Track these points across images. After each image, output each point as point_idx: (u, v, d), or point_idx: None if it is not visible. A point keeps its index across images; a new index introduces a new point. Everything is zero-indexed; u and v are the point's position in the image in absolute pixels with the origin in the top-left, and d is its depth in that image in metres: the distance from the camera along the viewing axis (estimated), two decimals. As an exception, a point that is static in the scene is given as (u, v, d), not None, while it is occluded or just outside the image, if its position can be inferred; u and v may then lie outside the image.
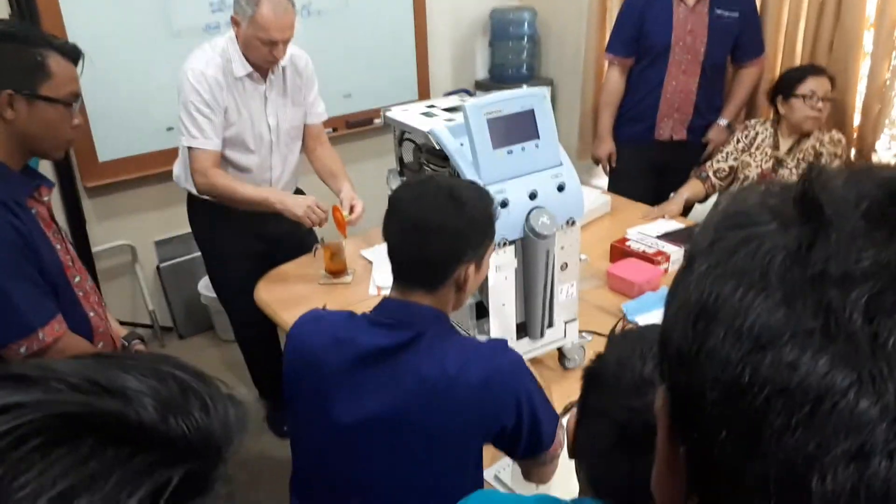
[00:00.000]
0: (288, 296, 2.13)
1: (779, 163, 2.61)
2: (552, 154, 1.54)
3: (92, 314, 1.45)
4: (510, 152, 1.48)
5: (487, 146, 1.45)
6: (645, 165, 3.04)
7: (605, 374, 0.90)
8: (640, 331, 0.93)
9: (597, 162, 3.23)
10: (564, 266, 1.60)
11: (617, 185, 3.08)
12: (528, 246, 1.50)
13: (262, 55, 2.16)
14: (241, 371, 2.95)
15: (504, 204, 1.46)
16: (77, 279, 1.42)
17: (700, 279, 0.42)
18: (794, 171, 2.57)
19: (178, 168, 2.40)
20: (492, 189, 1.45)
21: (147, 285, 3.27)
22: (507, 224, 1.46)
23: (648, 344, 0.87)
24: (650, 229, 2.39)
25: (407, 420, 1.23)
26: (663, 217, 2.55)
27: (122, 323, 2.34)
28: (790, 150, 2.61)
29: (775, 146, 2.63)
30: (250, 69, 2.21)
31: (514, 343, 1.60)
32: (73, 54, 1.36)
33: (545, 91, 1.54)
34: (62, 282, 1.37)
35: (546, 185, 1.51)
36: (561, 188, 1.53)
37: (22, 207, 1.30)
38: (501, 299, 1.51)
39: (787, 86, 2.61)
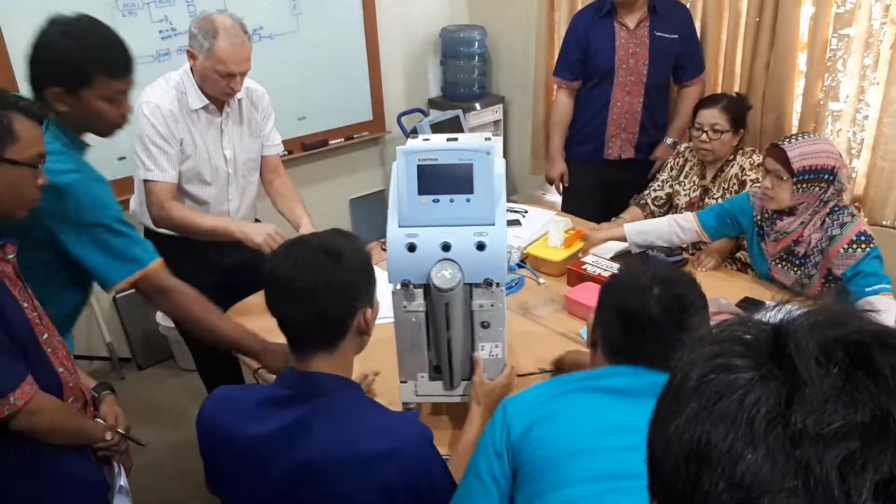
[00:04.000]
0: (254, 331, 2.13)
1: (705, 192, 2.66)
2: (484, 212, 1.49)
3: (61, 370, 1.44)
4: (436, 201, 1.48)
5: (413, 191, 1.48)
6: (596, 184, 3.13)
7: (618, 282, 1.33)
8: (645, 261, 1.29)
9: (550, 182, 3.31)
10: (486, 324, 1.56)
11: (570, 204, 3.17)
12: (430, 294, 1.50)
13: (220, 88, 2.17)
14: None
15: (411, 248, 1.47)
16: (45, 336, 1.41)
17: (690, 420, 0.48)
18: (719, 201, 2.60)
19: (135, 203, 2.39)
20: (403, 231, 1.48)
21: (104, 317, 3.22)
22: (413, 268, 1.48)
23: (651, 267, 1.34)
24: (604, 251, 2.48)
25: (314, 492, 1.23)
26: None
27: (78, 357, 2.32)
28: (714, 179, 2.65)
29: (702, 175, 2.69)
30: (206, 101, 2.22)
31: (426, 383, 1.63)
32: (39, 115, 1.36)
33: (491, 146, 1.48)
34: (30, 340, 1.36)
35: (465, 241, 1.48)
36: (481, 247, 1.48)
37: None
38: (411, 338, 1.54)
39: (692, 115, 2.69)
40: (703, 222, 2.36)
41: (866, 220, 2.27)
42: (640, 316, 1.23)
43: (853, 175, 2.75)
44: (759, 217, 2.26)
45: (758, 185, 2.35)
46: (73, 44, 1.55)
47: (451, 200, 1.48)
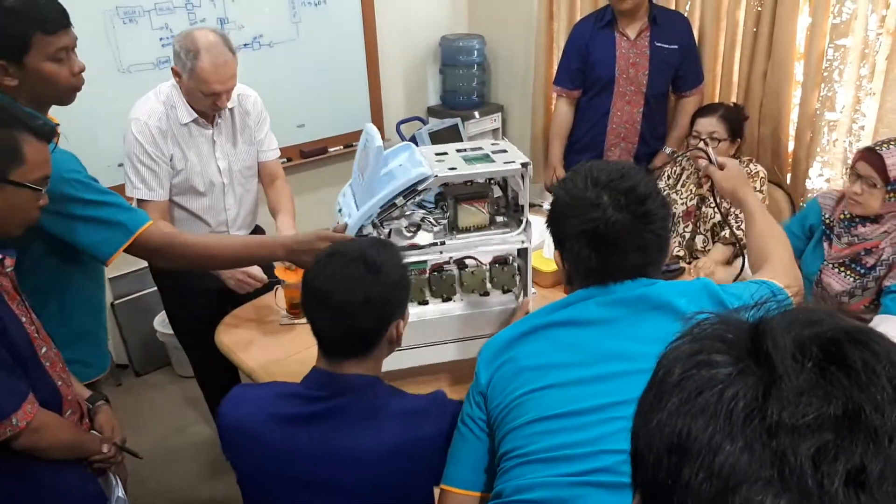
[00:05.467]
0: (249, 338, 2.14)
1: (702, 201, 2.66)
2: (359, 202, 1.72)
3: (59, 382, 1.44)
4: (360, 181, 1.74)
5: (357, 166, 1.78)
6: (595, 192, 3.13)
7: (562, 206, 1.22)
8: (577, 169, 1.24)
9: (549, 190, 3.32)
10: None
11: (568, 212, 3.18)
12: None
13: (206, 105, 2.17)
14: (200, 407, 2.94)
15: (337, 206, 1.81)
16: (43, 349, 1.41)
17: (671, 414, 0.50)
18: (716, 210, 2.60)
19: None
20: (345, 190, 1.84)
21: (102, 323, 3.22)
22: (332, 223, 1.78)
23: (590, 171, 1.20)
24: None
25: (344, 488, 1.24)
26: None
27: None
28: (712, 188, 2.63)
29: (699, 184, 2.68)
30: (195, 115, 2.22)
31: None
32: (49, 135, 1.35)
33: (386, 157, 1.65)
34: (30, 355, 1.35)
35: (341, 219, 1.75)
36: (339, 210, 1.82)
37: None
38: None
39: (690, 124, 2.69)
40: None
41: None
42: (604, 230, 1.17)
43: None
44: (829, 217, 2.21)
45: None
46: None
47: (360, 185, 1.72)
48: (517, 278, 1.79)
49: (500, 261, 1.77)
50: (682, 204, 2.72)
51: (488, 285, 1.79)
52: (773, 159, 2.94)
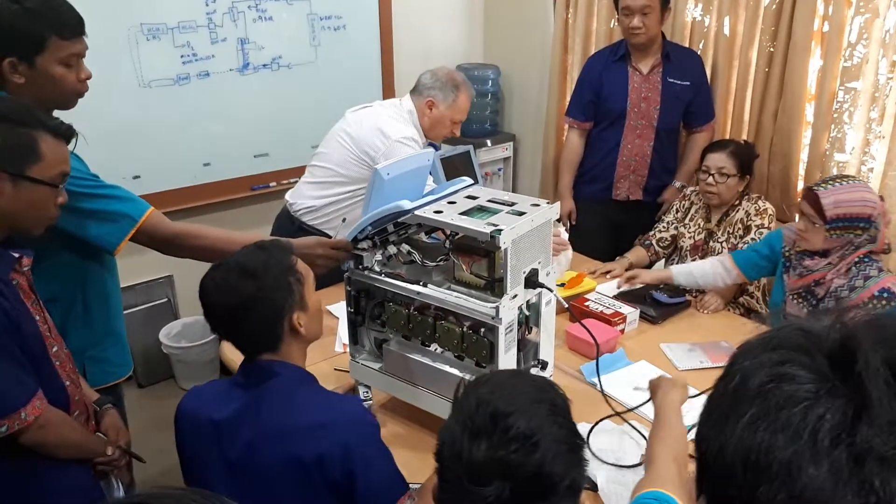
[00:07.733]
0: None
1: (710, 235, 2.67)
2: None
3: (68, 383, 1.45)
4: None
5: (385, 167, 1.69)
6: (603, 223, 3.16)
7: (443, 456, 0.95)
8: (461, 403, 0.97)
9: (558, 219, 3.34)
10: None
11: (577, 242, 3.17)
12: None
13: (447, 132, 2.55)
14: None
15: None
16: (55, 349, 1.42)
17: (749, 426, 0.48)
18: (723, 244, 2.62)
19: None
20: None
21: (108, 333, 3.24)
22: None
23: (472, 418, 0.91)
24: (607, 289, 2.49)
25: (255, 465, 1.30)
26: (606, 275, 2.66)
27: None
28: (720, 223, 2.66)
29: (707, 218, 2.70)
30: (426, 139, 2.55)
31: None
32: (67, 135, 1.38)
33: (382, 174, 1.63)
34: (41, 354, 1.37)
35: None
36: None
37: (5, 283, 1.30)
38: None
39: (700, 159, 2.72)
40: (740, 263, 2.39)
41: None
42: None
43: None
44: (788, 249, 2.27)
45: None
46: (20, 8, 1.50)
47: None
48: (486, 354, 1.56)
49: (475, 327, 1.58)
50: (689, 238, 2.74)
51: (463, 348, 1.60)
52: (782, 197, 2.96)
